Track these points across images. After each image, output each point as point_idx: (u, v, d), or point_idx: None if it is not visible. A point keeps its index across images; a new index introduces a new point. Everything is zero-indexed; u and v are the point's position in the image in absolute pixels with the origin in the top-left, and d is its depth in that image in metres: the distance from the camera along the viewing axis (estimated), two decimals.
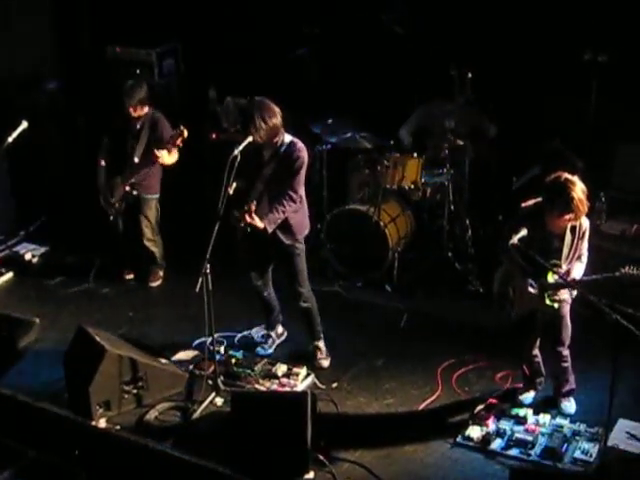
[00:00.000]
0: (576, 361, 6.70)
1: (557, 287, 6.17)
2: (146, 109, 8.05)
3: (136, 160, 8.01)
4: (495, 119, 8.71)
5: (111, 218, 8.35)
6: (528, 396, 6.80)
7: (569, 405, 6.68)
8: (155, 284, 8.63)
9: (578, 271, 6.28)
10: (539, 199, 6.19)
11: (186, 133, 7.68)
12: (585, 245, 6.29)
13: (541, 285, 6.18)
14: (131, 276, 8.68)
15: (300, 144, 6.84)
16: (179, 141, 7.72)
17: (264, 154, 6.84)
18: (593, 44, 8.17)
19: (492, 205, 8.92)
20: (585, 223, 6.22)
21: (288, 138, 6.83)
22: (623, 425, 6.36)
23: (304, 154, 6.80)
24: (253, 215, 6.60)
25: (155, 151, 7.80)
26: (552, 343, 6.56)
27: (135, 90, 7.93)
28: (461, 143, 8.50)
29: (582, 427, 6.38)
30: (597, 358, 6.89)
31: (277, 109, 6.70)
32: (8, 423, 6.77)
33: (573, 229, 6.17)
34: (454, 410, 6.71)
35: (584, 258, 6.33)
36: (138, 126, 8.08)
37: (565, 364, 6.61)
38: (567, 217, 6.01)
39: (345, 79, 9.43)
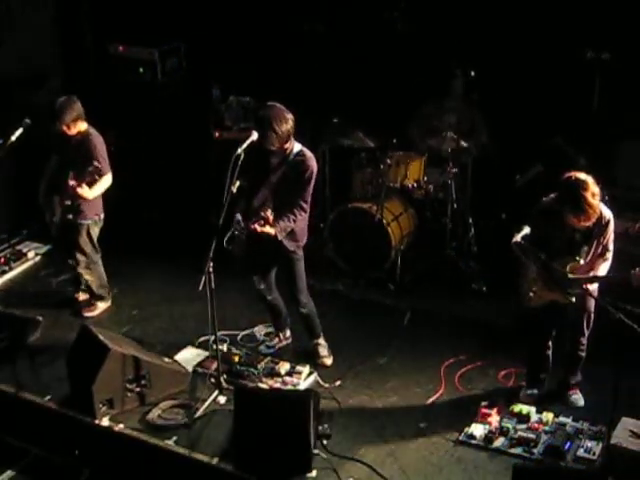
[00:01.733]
0: None
1: (577, 283, 6.15)
2: (83, 126, 7.58)
3: (71, 183, 7.39)
4: (490, 123, 8.73)
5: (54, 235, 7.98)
6: (532, 392, 6.79)
7: (578, 397, 6.71)
8: (90, 314, 8.05)
9: (603, 270, 6.26)
10: (554, 196, 6.21)
11: (99, 167, 7.34)
12: (609, 237, 6.27)
13: (563, 278, 6.15)
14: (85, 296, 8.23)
15: (309, 153, 6.83)
16: (96, 176, 7.38)
17: (271, 160, 6.82)
18: (596, 42, 8.15)
19: (495, 203, 8.92)
20: (607, 215, 6.20)
21: (298, 147, 6.81)
22: (626, 423, 6.35)
23: (313, 163, 6.78)
24: (268, 223, 6.61)
25: (77, 188, 7.36)
26: (572, 332, 6.57)
27: (66, 108, 7.46)
28: (463, 142, 8.50)
29: (585, 425, 6.37)
30: (601, 356, 6.89)
31: (290, 115, 6.68)
32: (11, 421, 6.79)
33: (595, 222, 6.15)
34: (457, 408, 6.71)
35: (609, 254, 6.30)
36: (72, 144, 7.59)
37: (582, 353, 6.63)
38: (577, 219, 6.02)
39: (348, 77, 9.42)
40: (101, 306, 8.14)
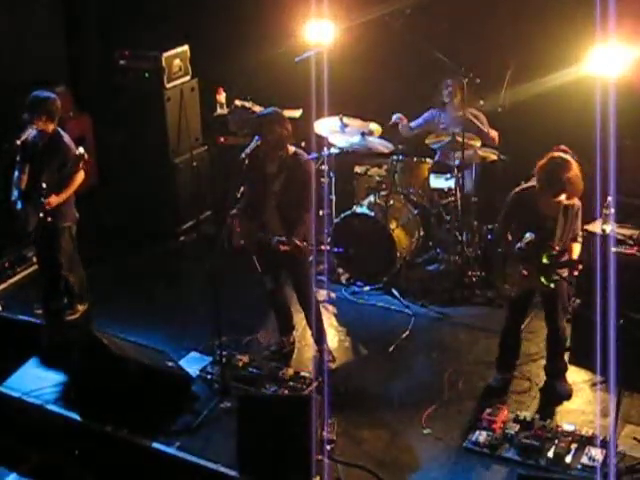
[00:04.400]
0: (582, 365, 6.71)
1: (556, 267, 6.37)
2: (52, 126, 7.51)
3: (44, 186, 7.35)
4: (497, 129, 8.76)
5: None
6: (497, 379, 6.97)
7: (566, 387, 6.86)
8: (71, 317, 8.02)
9: (577, 251, 6.52)
10: (529, 184, 6.47)
11: (87, 156, 7.38)
12: (579, 225, 6.55)
13: (539, 266, 6.35)
14: (39, 311, 8.05)
15: (306, 155, 6.94)
16: (81, 164, 7.40)
17: (268, 168, 6.86)
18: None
19: (500, 209, 8.88)
20: (578, 203, 6.44)
21: (292, 149, 6.87)
22: (630, 431, 6.34)
23: (312, 164, 6.91)
24: (296, 243, 6.69)
25: (42, 200, 7.31)
26: (551, 318, 6.78)
27: (43, 100, 7.46)
28: (468, 148, 8.48)
29: (589, 433, 6.34)
30: (604, 362, 6.89)
31: (286, 119, 6.75)
32: (16, 425, 6.80)
33: (566, 210, 6.39)
34: (461, 415, 6.70)
35: (580, 238, 6.57)
36: (40, 145, 7.56)
37: (564, 336, 6.88)
38: (563, 196, 6.23)
39: (353, 83, 9.43)
40: (81, 309, 8.10)
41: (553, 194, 6.24)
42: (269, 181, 6.86)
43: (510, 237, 6.55)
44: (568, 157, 6.29)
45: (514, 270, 6.51)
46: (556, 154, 6.33)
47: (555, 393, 6.86)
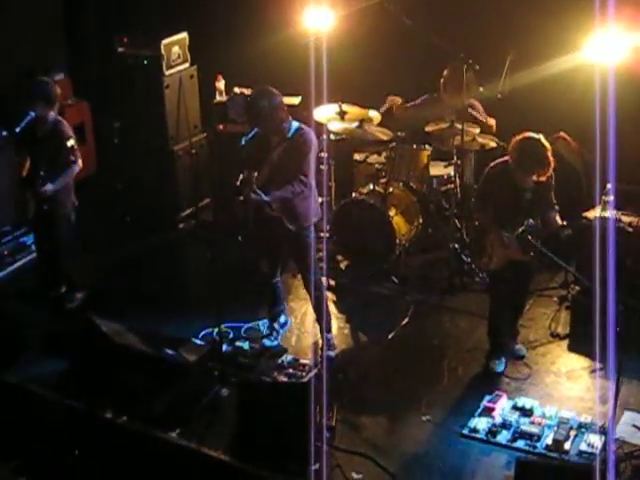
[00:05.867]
0: (581, 352, 6.72)
1: (534, 236, 6.56)
2: (51, 113, 7.52)
3: (42, 173, 7.36)
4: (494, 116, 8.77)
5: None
6: (500, 363, 7.00)
7: (522, 347, 7.17)
8: (70, 305, 7.99)
9: (558, 219, 6.70)
10: (503, 159, 6.74)
11: (76, 146, 7.48)
12: (552, 195, 6.78)
13: (517, 237, 6.57)
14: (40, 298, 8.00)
15: (308, 129, 6.95)
16: (72, 157, 7.46)
17: (272, 139, 6.89)
18: None
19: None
20: (551, 175, 6.68)
21: (296, 123, 6.90)
22: (629, 417, 6.35)
23: (312, 138, 6.87)
24: (254, 188, 6.62)
25: (38, 189, 7.35)
26: (521, 295, 7.09)
27: (42, 88, 7.47)
28: (467, 135, 8.47)
29: (588, 419, 6.36)
30: (603, 349, 6.90)
31: (279, 96, 6.76)
32: (15, 414, 6.81)
33: (540, 183, 6.63)
34: (460, 402, 6.71)
35: (556, 207, 6.78)
36: (39, 133, 7.54)
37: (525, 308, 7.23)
38: (542, 173, 6.51)
39: (353, 69, 9.41)
40: (79, 296, 8.09)
41: (526, 172, 6.55)
42: (269, 151, 6.88)
43: (488, 210, 6.79)
44: (541, 137, 6.55)
45: (492, 242, 6.70)
46: (530, 134, 6.58)
47: (514, 353, 7.10)
